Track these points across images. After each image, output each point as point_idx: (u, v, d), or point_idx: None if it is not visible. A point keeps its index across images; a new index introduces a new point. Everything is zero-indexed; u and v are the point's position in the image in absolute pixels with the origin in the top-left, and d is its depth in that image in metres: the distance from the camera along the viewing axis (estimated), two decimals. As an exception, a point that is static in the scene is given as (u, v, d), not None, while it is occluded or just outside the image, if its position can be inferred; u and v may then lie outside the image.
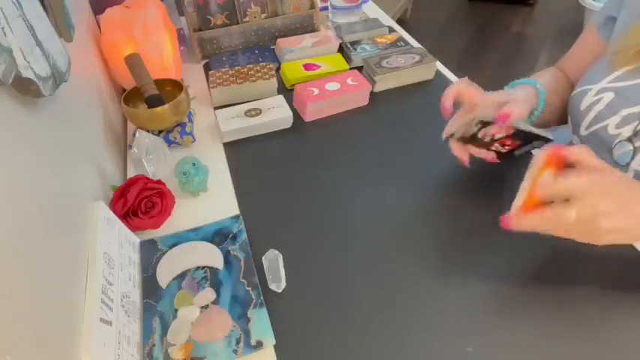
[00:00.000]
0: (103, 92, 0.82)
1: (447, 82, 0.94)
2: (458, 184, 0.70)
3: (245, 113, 0.82)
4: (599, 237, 0.46)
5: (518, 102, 0.60)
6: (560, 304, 0.53)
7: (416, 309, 0.53)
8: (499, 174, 0.70)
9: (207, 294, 0.55)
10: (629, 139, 0.60)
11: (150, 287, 0.56)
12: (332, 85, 0.86)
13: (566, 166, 0.49)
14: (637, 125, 0.59)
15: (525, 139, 0.63)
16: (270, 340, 0.50)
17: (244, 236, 0.62)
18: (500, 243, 0.60)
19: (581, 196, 0.45)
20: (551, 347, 0.49)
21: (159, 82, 0.78)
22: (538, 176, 0.47)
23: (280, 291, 0.56)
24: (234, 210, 0.67)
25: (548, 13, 3.09)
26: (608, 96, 0.62)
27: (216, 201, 0.70)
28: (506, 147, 0.62)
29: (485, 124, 0.57)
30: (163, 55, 0.85)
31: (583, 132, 0.66)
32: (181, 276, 0.57)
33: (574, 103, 0.68)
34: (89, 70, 0.78)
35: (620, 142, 0.61)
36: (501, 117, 0.56)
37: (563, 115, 0.73)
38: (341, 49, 1.04)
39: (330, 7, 1.17)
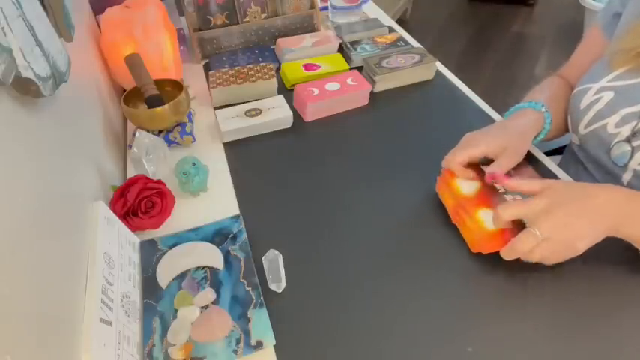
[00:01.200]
0: (103, 92, 0.82)
1: (447, 82, 0.94)
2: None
3: (245, 113, 0.82)
4: (573, 246, 0.48)
5: (508, 152, 0.61)
6: (561, 303, 0.53)
7: (416, 309, 0.53)
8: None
9: (207, 294, 0.55)
10: (628, 140, 0.59)
11: (150, 287, 0.56)
12: (332, 85, 0.86)
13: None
14: (635, 125, 0.58)
15: None
16: (270, 340, 0.50)
17: (244, 236, 0.62)
18: (501, 243, 0.60)
19: (534, 217, 0.49)
20: (552, 346, 0.49)
21: (159, 82, 0.78)
22: (475, 215, 0.57)
23: (280, 291, 0.56)
24: (234, 210, 0.67)
25: (548, 13, 3.09)
26: (608, 95, 0.62)
27: (216, 201, 0.70)
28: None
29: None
30: (163, 55, 0.85)
31: (582, 131, 0.66)
32: (181, 276, 0.57)
33: (574, 102, 0.67)
34: (89, 70, 0.78)
35: (618, 142, 0.60)
36: (489, 178, 0.59)
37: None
38: (341, 49, 1.04)
39: (330, 7, 1.17)
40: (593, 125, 0.63)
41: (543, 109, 0.67)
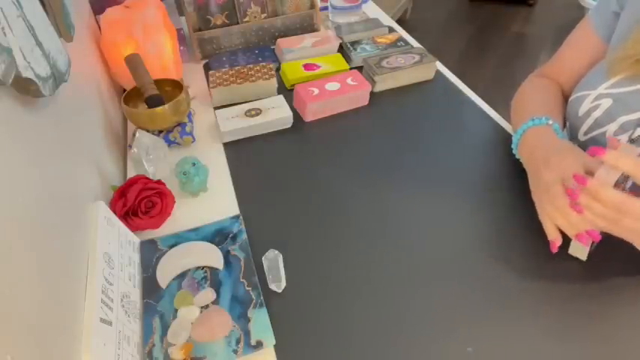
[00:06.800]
0: (103, 92, 0.82)
1: (447, 82, 0.94)
2: (457, 184, 0.70)
3: (245, 113, 0.82)
4: None
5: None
6: (561, 304, 0.53)
7: (416, 309, 0.53)
8: (496, 175, 0.70)
9: (207, 294, 0.55)
10: None
11: (150, 287, 0.56)
12: (332, 85, 0.86)
13: None
14: (632, 133, 0.58)
15: None
16: (270, 340, 0.50)
17: (244, 236, 0.62)
18: (501, 243, 0.60)
19: None
20: (552, 347, 0.49)
21: (159, 82, 0.78)
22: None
23: (280, 291, 0.56)
24: (234, 210, 0.67)
25: (548, 13, 3.10)
26: (607, 102, 0.61)
27: (216, 201, 0.69)
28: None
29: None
30: (163, 55, 0.85)
31: (581, 137, 0.65)
32: (181, 276, 0.57)
33: (572, 109, 0.66)
34: (89, 70, 0.78)
35: None
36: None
37: None
38: (341, 49, 1.04)
39: (330, 7, 1.17)
40: (592, 132, 0.63)
41: (557, 126, 0.63)
